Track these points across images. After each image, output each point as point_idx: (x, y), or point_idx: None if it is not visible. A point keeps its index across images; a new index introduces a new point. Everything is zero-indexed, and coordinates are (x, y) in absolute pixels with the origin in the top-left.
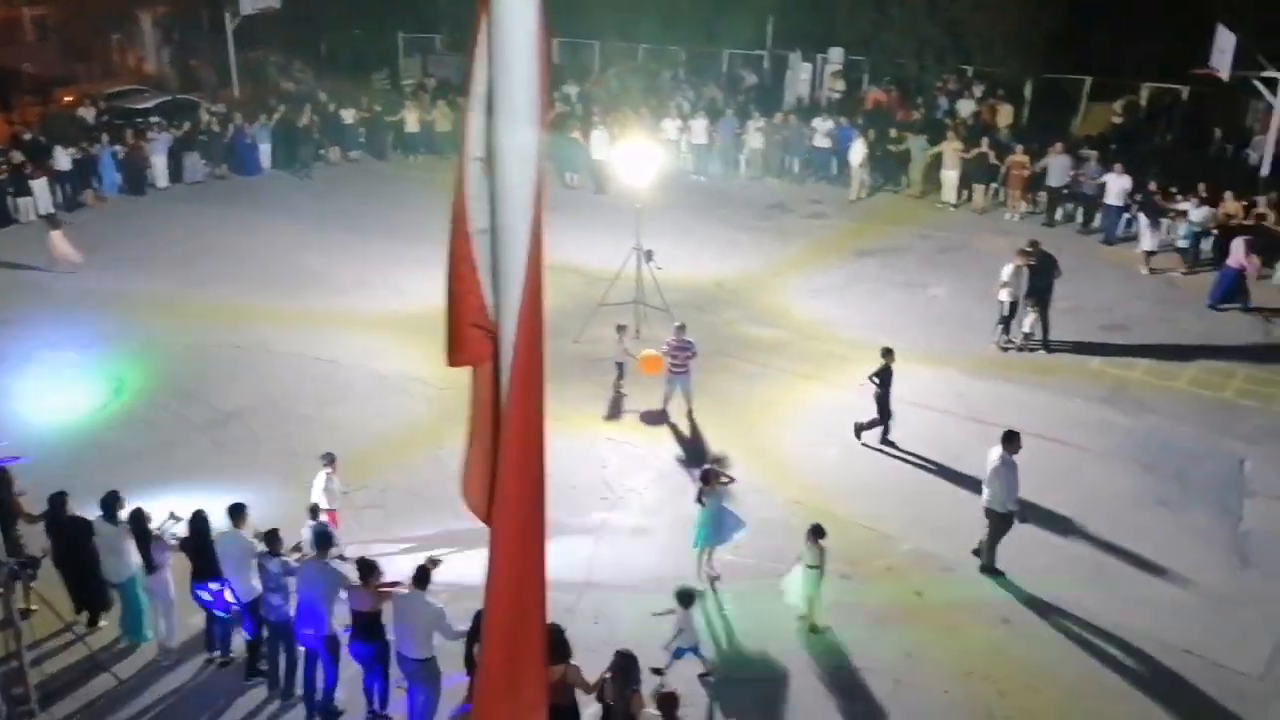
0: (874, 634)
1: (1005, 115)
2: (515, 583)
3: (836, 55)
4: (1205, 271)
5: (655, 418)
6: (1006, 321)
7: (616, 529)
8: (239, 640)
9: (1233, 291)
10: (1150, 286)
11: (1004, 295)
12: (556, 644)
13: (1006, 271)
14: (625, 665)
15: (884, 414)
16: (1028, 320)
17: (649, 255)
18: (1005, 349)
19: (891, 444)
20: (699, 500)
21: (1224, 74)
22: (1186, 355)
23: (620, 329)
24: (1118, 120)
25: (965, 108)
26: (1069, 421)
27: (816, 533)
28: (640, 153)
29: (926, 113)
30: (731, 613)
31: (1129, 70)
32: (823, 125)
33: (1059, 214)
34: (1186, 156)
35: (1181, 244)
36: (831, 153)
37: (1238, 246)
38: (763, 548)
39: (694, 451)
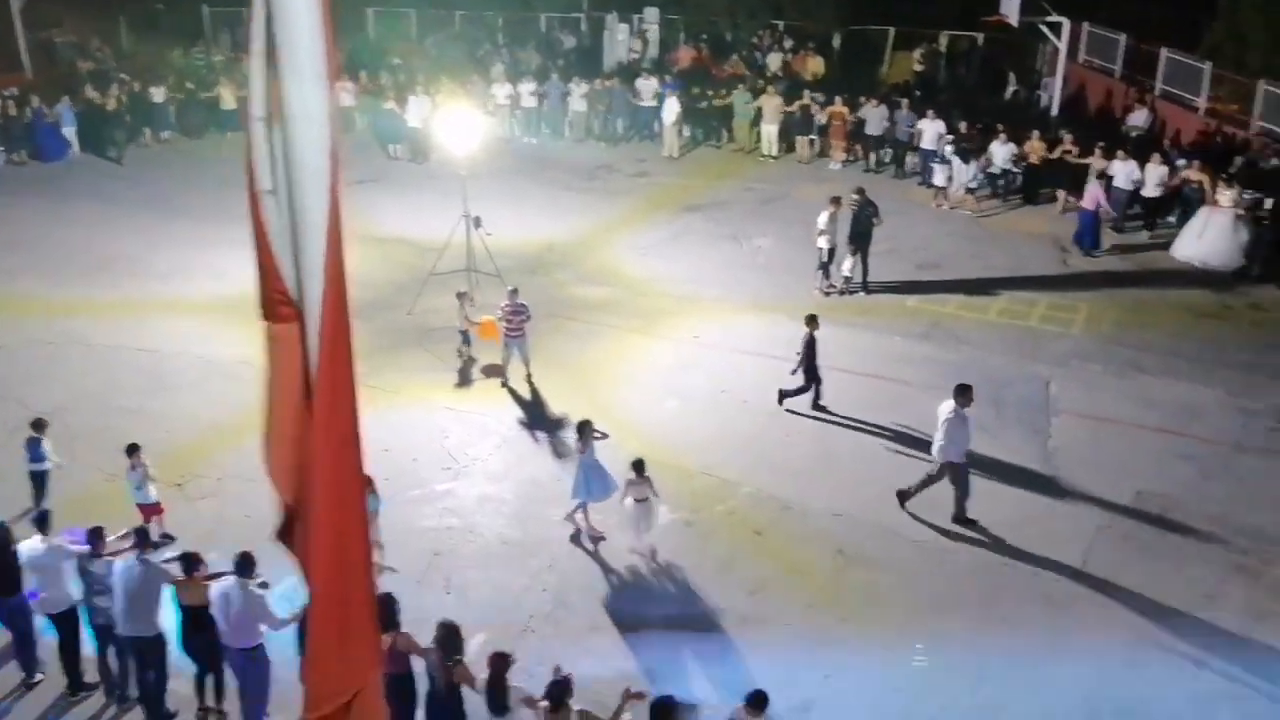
0: (720, 576)
1: (816, 66)
2: (335, 545)
3: (652, 15)
4: (1007, 210)
5: (495, 383)
6: (826, 267)
7: (463, 498)
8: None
9: (1097, 232)
10: (959, 224)
11: (822, 242)
12: (386, 612)
13: (822, 219)
14: (445, 636)
15: (811, 379)
16: (847, 264)
17: (477, 222)
18: (828, 293)
19: (823, 409)
20: (579, 451)
21: (1013, 20)
22: (994, 288)
23: (461, 296)
24: (920, 68)
25: (775, 61)
26: (891, 358)
27: (637, 467)
28: (462, 119)
29: (746, 68)
30: (580, 566)
31: (928, 20)
32: (646, 85)
33: (873, 160)
34: (985, 100)
35: (972, 185)
36: (656, 112)
37: (1093, 188)
38: (608, 504)
39: (536, 414)
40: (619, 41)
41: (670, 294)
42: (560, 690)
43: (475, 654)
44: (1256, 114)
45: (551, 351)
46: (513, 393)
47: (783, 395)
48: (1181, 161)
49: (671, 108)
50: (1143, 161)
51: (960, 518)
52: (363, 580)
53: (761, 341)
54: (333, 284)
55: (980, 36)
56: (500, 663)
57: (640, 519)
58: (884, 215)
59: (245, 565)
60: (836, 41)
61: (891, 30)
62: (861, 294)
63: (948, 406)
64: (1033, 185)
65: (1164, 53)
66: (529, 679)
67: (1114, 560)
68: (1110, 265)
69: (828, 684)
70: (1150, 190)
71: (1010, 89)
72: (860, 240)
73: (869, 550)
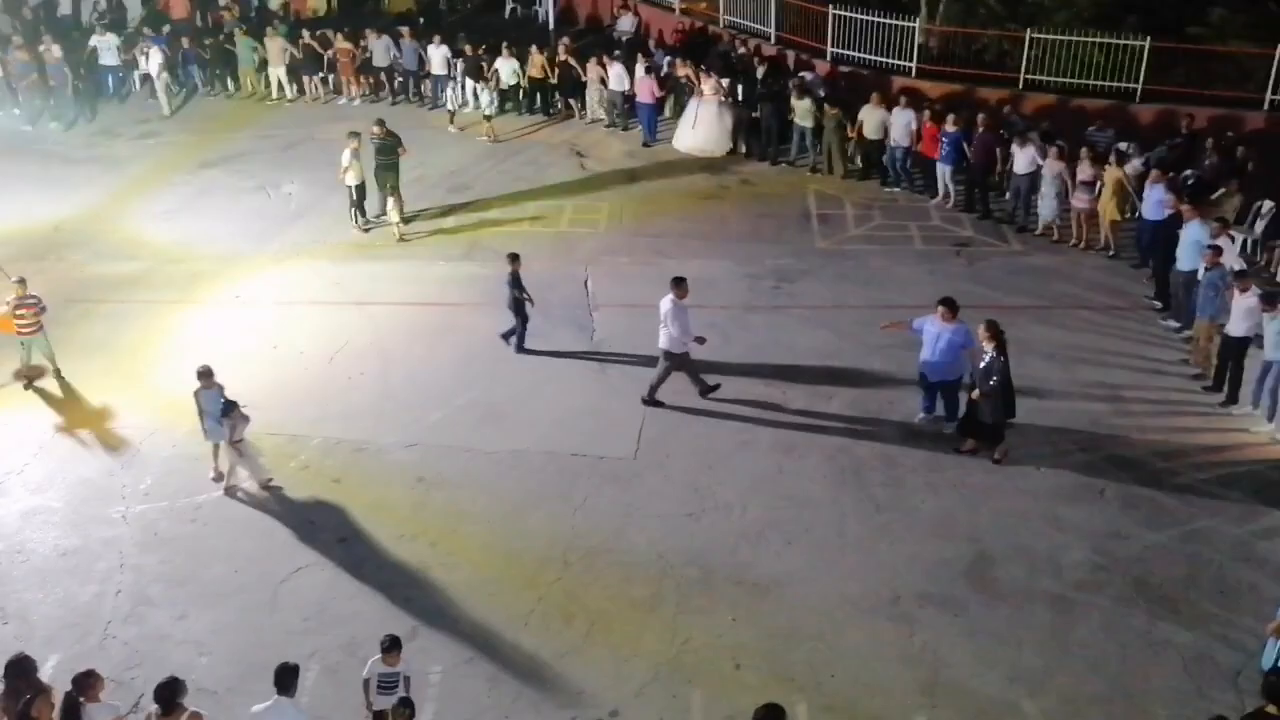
0: (307, 531)
1: (316, 3)
2: None
3: None
4: (521, 124)
5: (17, 388)
6: (359, 204)
7: (3, 519)
8: None
9: (655, 121)
10: (481, 145)
11: (350, 179)
12: None
13: (345, 156)
14: (12, 671)
15: (522, 319)
16: (380, 198)
17: None
18: (366, 230)
19: (527, 350)
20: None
21: None
22: (524, 200)
23: None
24: None
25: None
26: (437, 283)
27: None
28: None
29: (243, 10)
30: (156, 557)
31: None
32: (103, 41)
33: (386, 91)
34: (488, 19)
35: (488, 111)
36: (116, 71)
37: (648, 82)
38: (173, 485)
39: (74, 412)
40: None
41: (204, 256)
42: (170, 691)
43: (51, 680)
44: (722, 9)
45: (81, 340)
46: (41, 393)
47: (506, 338)
48: (668, 59)
49: (155, 59)
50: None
51: (705, 392)
52: None
53: (307, 289)
54: None
55: None
56: (78, 685)
57: (244, 457)
58: (408, 144)
59: None
60: None
61: None
62: (400, 225)
63: (667, 300)
64: (539, 97)
65: None
66: (123, 689)
67: (664, 430)
68: (622, 164)
69: (427, 602)
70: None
71: (509, 7)
72: (388, 173)
73: (446, 472)
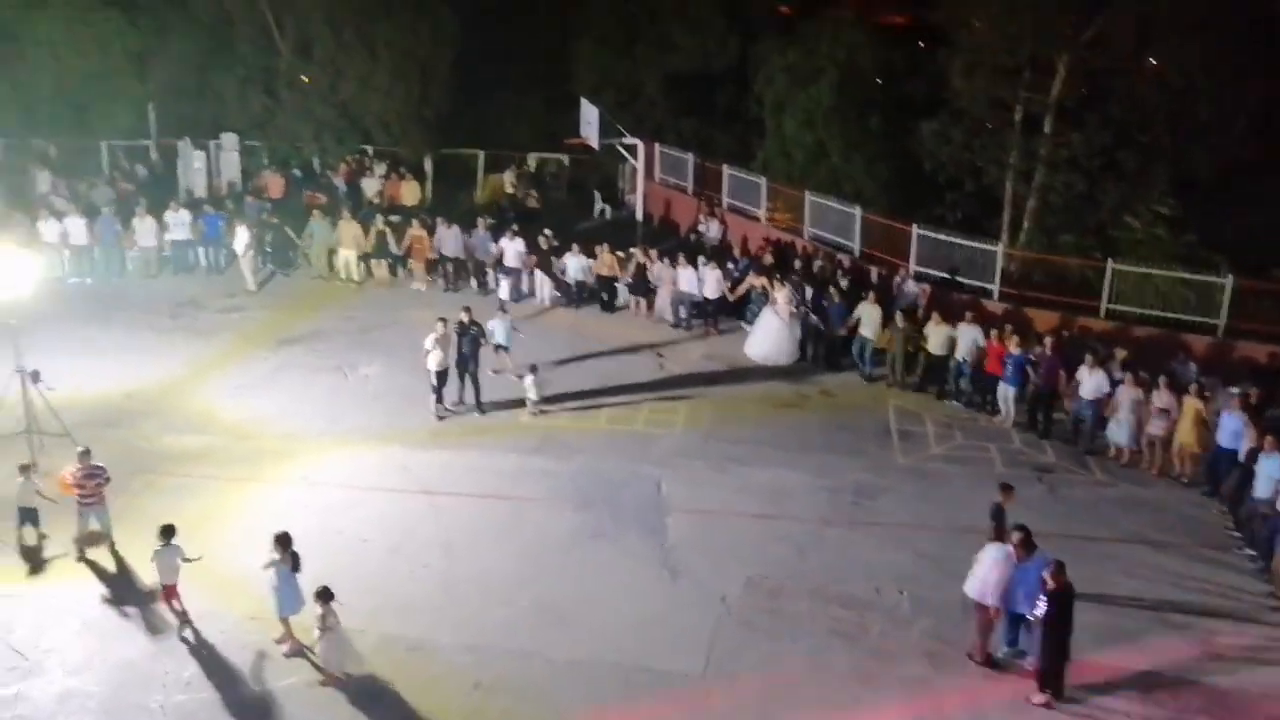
0: None
1: (411, 192)
2: None
3: (230, 141)
4: (596, 320)
5: (69, 560)
6: (439, 390)
7: (37, 702)
8: None
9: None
10: (564, 337)
11: (432, 364)
12: None
13: (429, 341)
14: None
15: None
16: (458, 387)
17: (35, 376)
18: (442, 418)
19: None
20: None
21: (593, 142)
22: (602, 396)
23: (25, 469)
24: (511, 190)
25: (370, 187)
26: (507, 476)
27: (324, 595)
28: (7, 259)
29: (329, 194)
30: None
31: (517, 143)
32: (175, 217)
33: (454, 280)
34: (574, 216)
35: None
36: (193, 244)
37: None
38: (218, 676)
39: (124, 588)
40: (195, 169)
41: (273, 435)
42: None
43: None
44: (807, 221)
45: (141, 513)
46: (93, 566)
47: None
48: (744, 265)
49: (241, 238)
50: (722, 267)
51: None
52: None
53: (378, 474)
54: None
55: (567, 158)
56: None
57: (330, 648)
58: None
59: None
60: (429, 165)
61: (481, 154)
62: (476, 414)
63: (1003, 548)
64: (608, 294)
65: (726, 169)
66: None
67: (734, 646)
68: (702, 367)
69: None
70: (711, 293)
71: (597, 207)
72: (469, 361)
73: (506, 678)
